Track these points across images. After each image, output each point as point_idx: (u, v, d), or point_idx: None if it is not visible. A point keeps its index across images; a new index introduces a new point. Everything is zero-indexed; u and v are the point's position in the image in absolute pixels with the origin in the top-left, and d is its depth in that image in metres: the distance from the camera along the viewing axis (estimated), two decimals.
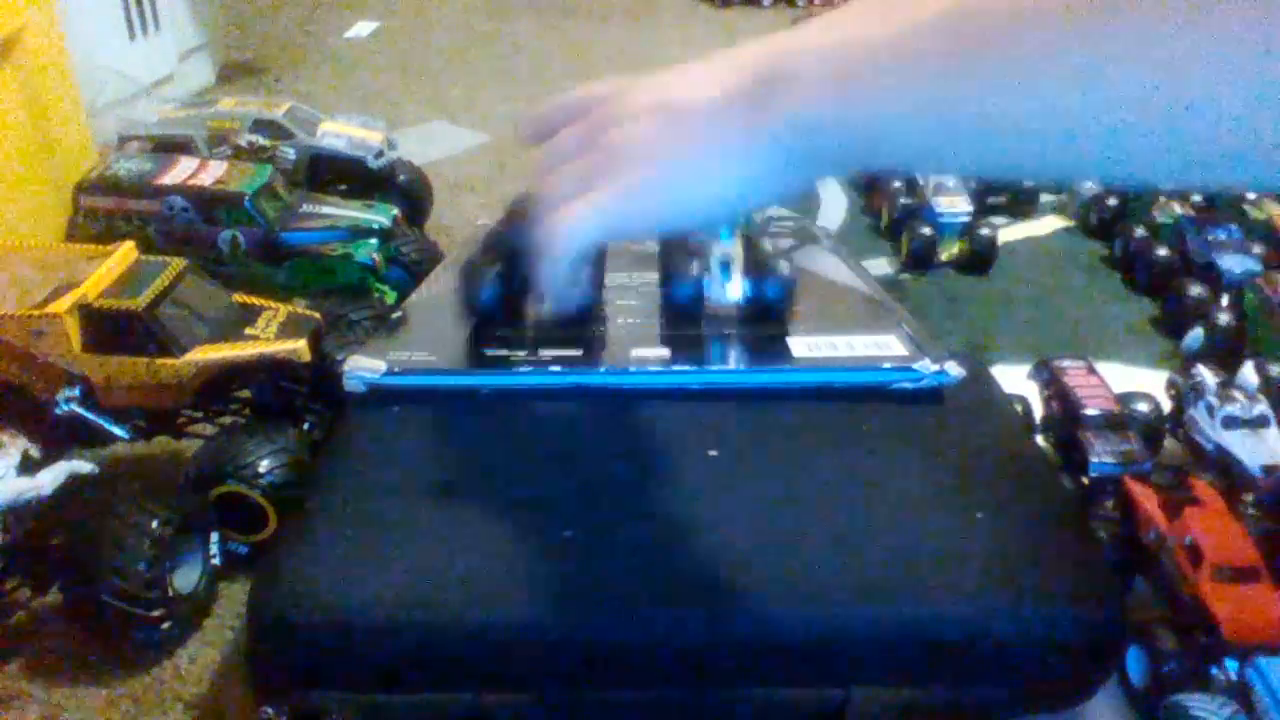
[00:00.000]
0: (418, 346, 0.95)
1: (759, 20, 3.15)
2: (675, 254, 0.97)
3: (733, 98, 0.53)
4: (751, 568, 0.75)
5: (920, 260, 1.57)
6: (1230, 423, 1.03)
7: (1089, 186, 1.75)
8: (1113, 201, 1.68)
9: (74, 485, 0.90)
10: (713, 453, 0.86)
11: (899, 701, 0.73)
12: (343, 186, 1.56)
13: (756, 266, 0.95)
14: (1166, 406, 1.13)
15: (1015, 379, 1.17)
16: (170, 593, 0.87)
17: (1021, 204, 1.77)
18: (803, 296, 1.07)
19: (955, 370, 0.92)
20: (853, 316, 1.03)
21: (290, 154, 1.51)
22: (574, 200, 0.58)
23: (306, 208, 1.36)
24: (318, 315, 1.07)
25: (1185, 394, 1.10)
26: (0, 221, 1.29)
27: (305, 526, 0.79)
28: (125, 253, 1.05)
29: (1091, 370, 1.13)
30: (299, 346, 1.01)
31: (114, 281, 1.00)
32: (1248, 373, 1.12)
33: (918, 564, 0.75)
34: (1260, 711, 0.75)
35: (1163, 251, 1.51)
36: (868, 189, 1.84)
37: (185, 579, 0.90)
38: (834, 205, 1.83)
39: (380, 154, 1.58)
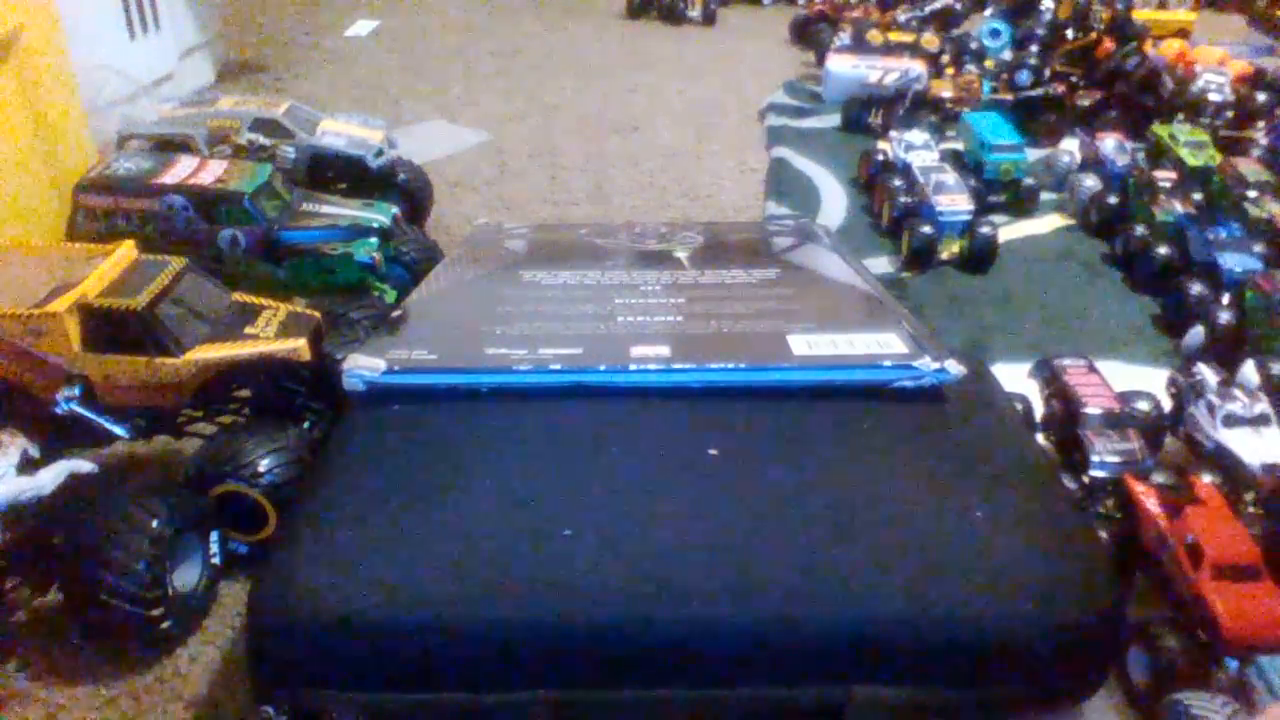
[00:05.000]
0: (418, 345, 0.95)
1: (759, 19, 3.15)
2: None
3: None
4: (751, 567, 0.75)
5: (921, 259, 1.57)
6: (1231, 421, 1.03)
7: (1089, 185, 1.75)
8: (1113, 200, 1.68)
9: (74, 484, 0.90)
10: (713, 451, 0.86)
11: (899, 700, 0.73)
12: (343, 185, 1.56)
13: None
14: (1167, 405, 1.13)
15: (1015, 378, 1.17)
16: (170, 592, 0.87)
17: (1021, 201, 1.77)
18: (803, 295, 1.07)
19: (955, 368, 0.92)
20: (853, 315, 1.03)
21: (290, 153, 1.51)
22: None
23: (306, 207, 1.36)
24: (317, 314, 1.07)
25: (1185, 392, 1.10)
26: (0, 220, 1.29)
27: (305, 526, 0.79)
28: (125, 252, 1.05)
29: (1092, 369, 1.13)
30: (299, 345, 1.01)
31: (114, 280, 1.00)
32: (1248, 371, 1.11)
33: (918, 563, 0.75)
34: (1261, 710, 0.75)
35: (1163, 250, 1.51)
36: (868, 187, 1.84)
37: (185, 578, 0.90)
38: (834, 204, 1.83)
39: (380, 153, 1.58)
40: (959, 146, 1.90)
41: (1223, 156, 1.75)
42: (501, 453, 0.86)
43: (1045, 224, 1.77)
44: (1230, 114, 2.03)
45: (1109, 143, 1.82)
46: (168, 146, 1.50)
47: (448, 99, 2.34)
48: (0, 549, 0.85)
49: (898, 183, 1.71)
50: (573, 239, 1.27)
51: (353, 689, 0.72)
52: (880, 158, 1.84)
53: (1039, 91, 2.16)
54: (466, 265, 1.17)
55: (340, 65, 2.57)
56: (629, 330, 0.99)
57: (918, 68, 2.20)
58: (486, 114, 2.25)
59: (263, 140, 1.52)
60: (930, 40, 2.40)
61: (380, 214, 1.36)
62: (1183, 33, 2.61)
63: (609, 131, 2.17)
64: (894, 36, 2.42)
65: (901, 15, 2.65)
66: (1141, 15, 2.56)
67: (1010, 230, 1.71)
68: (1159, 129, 1.88)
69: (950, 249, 1.58)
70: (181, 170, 1.33)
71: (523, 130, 2.16)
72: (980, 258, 1.57)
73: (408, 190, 1.60)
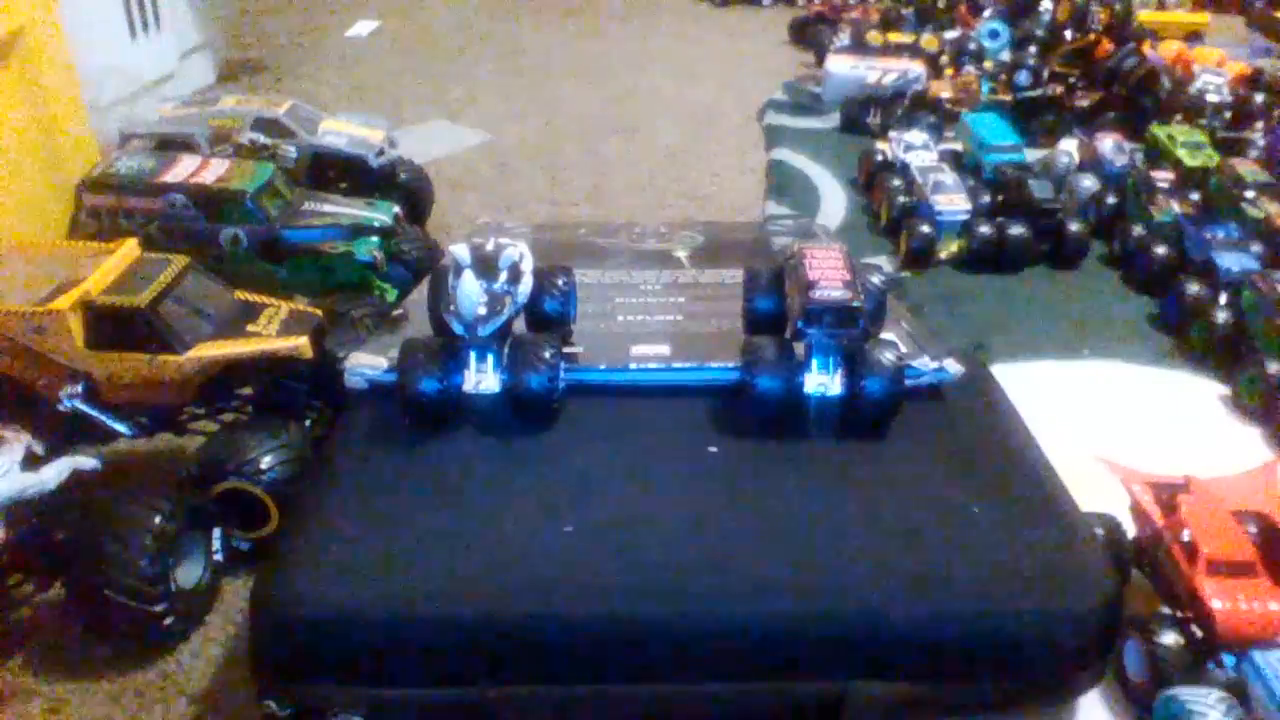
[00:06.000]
0: None
1: (758, 20, 3.16)
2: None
3: None
4: (750, 564, 0.75)
5: (920, 258, 1.58)
6: None
7: (1088, 185, 1.75)
8: (1111, 200, 1.69)
9: (77, 481, 0.91)
10: (712, 449, 0.86)
11: (897, 696, 0.74)
12: (344, 185, 1.57)
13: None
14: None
15: (1015, 377, 1.17)
16: (173, 588, 0.88)
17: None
18: None
19: (954, 367, 0.93)
20: None
21: (291, 152, 1.52)
22: None
23: (308, 206, 1.36)
24: (319, 312, 1.08)
25: None
26: (3, 219, 1.29)
27: (307, 523, 0.79)
28: (128, 250, 1.05)
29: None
30: (300, 343, 1.02)
31: (117, 279, 1.01)
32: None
33: (916, 560, 0.75)
34: (1256, 705, 0.75)
35: (1161, 250, 1.51)
36: (868, 187, 1.84)
37: (188, 574, 0.91)
38: (834, 203, 1.83)
39: (381, 152, 1.58)
40: (958, 147, 1.90)
41: (1220, 157, 1.76)
42: (501, 450, 0.86)
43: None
44: (1228, 115, 2.03)
45: (1107, 143, 1.82)
46: (169, 145, 1.50)
47: (448, 99, 2.35)
48: (3, 545, 0.86)
49: (896, 183, 1.71)
50: (573, 239, 1.28)
51: (354, 684, 0.72)
52: (879, 158, 1.84)
53: (1038, 92, 2.16)
54: None
55: (341, 65, 2.57)
56: (629, 329, 0.99)
57: (917, 68, 2.21)
58: (486, 114, 2.25)
59: (264, 139, 1.52)
60: (930, 41, 2.40)
61: (381, 213, 1.37)
62: (1194, 35, 2.61)
63: (609, 131, 2.17)
64: (893, 37, 2.42)
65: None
66: (1152, 17, 2.56)
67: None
68: (1157, 129, 1.89)
69: (949, 249, 1.59)
70: (183, 169, 1.33)
71: (523, 130, 2.17)
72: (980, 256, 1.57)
73: (408, 190, 1.61)
